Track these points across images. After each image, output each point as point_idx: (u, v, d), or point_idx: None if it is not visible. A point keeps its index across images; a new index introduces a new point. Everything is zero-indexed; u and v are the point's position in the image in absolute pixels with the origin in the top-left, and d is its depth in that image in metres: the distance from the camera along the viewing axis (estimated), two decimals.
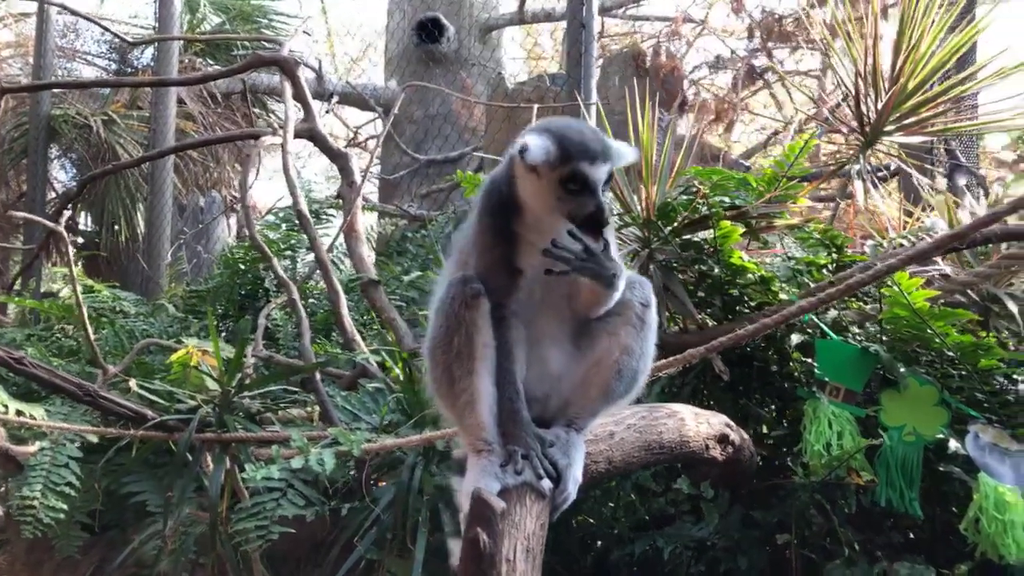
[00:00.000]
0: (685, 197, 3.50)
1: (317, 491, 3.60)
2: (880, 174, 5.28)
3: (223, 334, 5.71)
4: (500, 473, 1.93)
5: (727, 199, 3.53)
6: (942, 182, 5.05)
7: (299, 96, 5.61)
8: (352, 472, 3.69)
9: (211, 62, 10.52)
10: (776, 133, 10.39)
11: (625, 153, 2.03)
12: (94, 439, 3.79)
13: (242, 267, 6.34)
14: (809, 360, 3.36)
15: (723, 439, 2.66)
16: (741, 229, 3.38)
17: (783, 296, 3.49)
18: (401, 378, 3.69)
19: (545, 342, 2.10)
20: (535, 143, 1.94)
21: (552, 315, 2.10)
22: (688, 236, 3.63)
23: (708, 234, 3.47)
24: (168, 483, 3.77)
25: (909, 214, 4.72)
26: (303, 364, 4.25)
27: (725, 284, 3.51)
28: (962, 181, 5.66)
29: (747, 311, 3.64)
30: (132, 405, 3.78)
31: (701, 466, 2.66)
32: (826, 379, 3.18)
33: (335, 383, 4.83)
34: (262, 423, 3.96)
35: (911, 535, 3.27)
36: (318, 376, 3.94)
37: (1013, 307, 3.24)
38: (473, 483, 1.91)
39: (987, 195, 5.52)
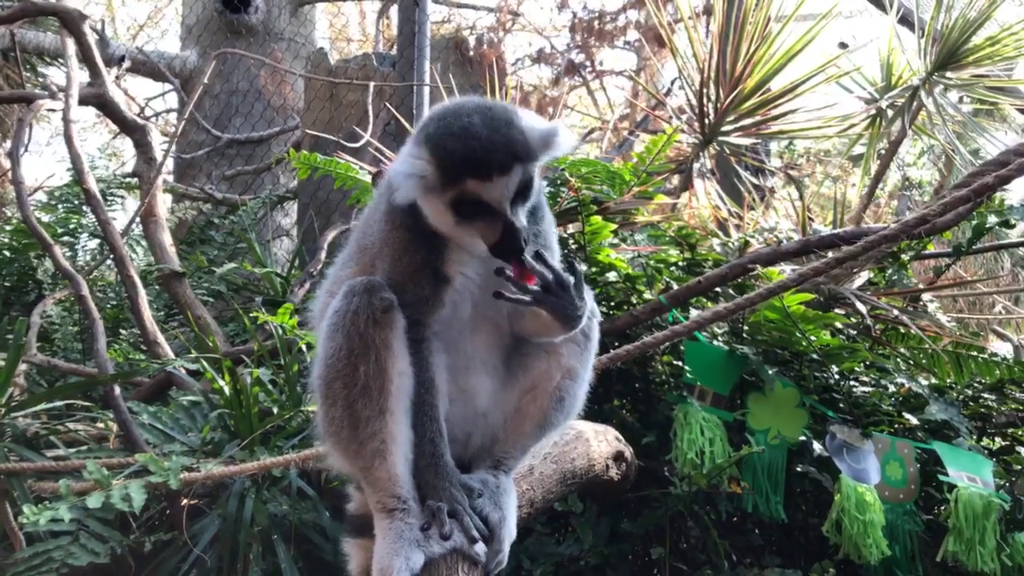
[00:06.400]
0: (551, 189, 3.25)
1: (115, 526, 2.98)
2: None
3: None
4: (422, 539, 1.50)
5: (590, 192, 3.34)
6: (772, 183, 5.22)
7: (85, 55, 4.75)
8: (163, 503, 3.10)
9: None
10: (592, 131, 10.54)
11: (553, 140, 1.53)
12: None
13: (7, 255, 5.31)
14: (678, 362, 3.24)
15: (619, 456, 2.44)
16: (613, 225, 3.19)
17: (647, 296, 3.35)
18: (226, 391, 3.14)
19: (473, 371, 1.67)
20: (405, 161, 1.48)
21: (484, 337, 1.68)
22: None
23: (575, 228, 3.25)
24: None
25: (736, 214, 4.83)
26: (97, 373, 3.53)
27: (590, 283, 3.31)
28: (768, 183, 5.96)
29: (606, 311, 3.47)
30: None
31: (597, 488, 2.43)
32: (696, 383, 3.07)
33: (132, 392, 4.13)
34: (42, 448, 3.24)
35: (772, 536, 3.25)
36: (117, 389, 3.27)
37: (862, 307, 3.31)
38: (388, 556, 1.47)
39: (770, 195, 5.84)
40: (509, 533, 1.62)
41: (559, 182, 3.24)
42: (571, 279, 1.55)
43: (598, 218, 3.15)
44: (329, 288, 1.73)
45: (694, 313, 2.68)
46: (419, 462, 1.57)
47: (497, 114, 1.52)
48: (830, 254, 3.04)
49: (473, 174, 1.47)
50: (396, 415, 1.53)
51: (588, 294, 1.63)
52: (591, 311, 1.68)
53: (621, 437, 2.59)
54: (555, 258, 1.69)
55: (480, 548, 1.55)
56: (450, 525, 1.52)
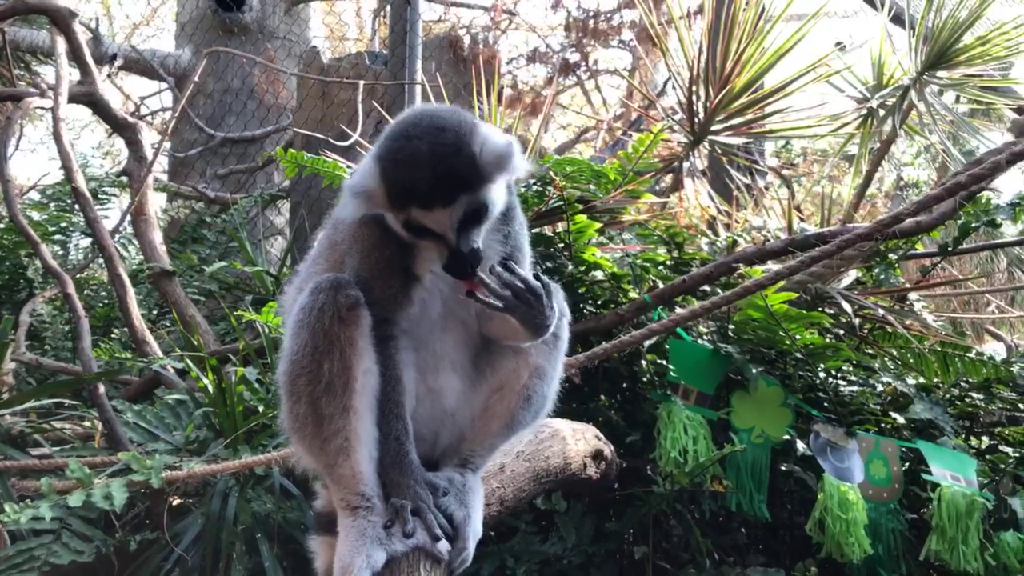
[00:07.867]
0: (537, 188, 3.25)
1: (99, 525, 2.98)
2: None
3: None
4: (384, 537, 1.50)
5: (577, 191, 3.34)
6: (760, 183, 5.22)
7: (75, 53, 4.75)
8: (148, 502, 3.09)
9: None
10: (587, 130, 10.55)
11: (508, 163, 1.48)
12: None
13: None
14: (662, 361, 3.24)
15: (598, 455, 2.44)
16: (598, 224, 3.19)
17: (633, 295, 3.34)
18: (210, 389, 3.14)
19: (442, 370, 1.67)
20: (358, 179, 1.50)
21: (453, 336, 1.68)
22: (535, 230, 3.40)
23: (561, 227, 3.25)
24: None
25: (726, 213, 4.82)
26: (82, 372, 3.53)
27: (575, 282, 3.31)
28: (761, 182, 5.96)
29: (593, 310, 3.47)
30: None
31: (575, 486, 2.43)
32: (681, 381, 3.07)
33: (121, 391, 4.14)
34: (27, 446, 3.24)
35: (756, 535, 3.25)
36: (102, 388, 3.27)
37: (847, 306, 3.31)
38: (350, 554, 1.47)
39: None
40: (474, 531, 1.62)
41: (545, 181, 3.25)
42: (538, 285, 1.55)
43: (583, 217, 3.15)
44: (299, 284, 1.73)
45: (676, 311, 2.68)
46: (384, 460, 1.57)
47: (447, 139, 1.47)
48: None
49: (416, 204, 1.47)
50: (360, 413, 1.53)
51: (558, 295, 1.63)
52: (560, 311, 1.67)
53: (602, 435, 2.59)
54: (526, 261, 1.70)
55: (443, 546, 1.54)
56: (413, 523, 1.52)
